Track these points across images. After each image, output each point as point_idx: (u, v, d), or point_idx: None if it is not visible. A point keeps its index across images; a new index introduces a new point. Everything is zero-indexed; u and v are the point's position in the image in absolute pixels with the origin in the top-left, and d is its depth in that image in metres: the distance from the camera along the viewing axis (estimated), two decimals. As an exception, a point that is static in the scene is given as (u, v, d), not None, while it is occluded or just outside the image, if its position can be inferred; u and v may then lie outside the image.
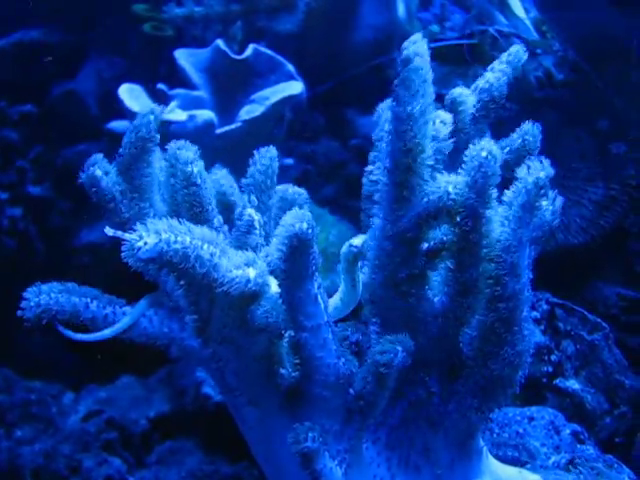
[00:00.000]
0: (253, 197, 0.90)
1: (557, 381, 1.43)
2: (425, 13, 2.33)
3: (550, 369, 1.44)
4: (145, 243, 0.69)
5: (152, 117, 0.94)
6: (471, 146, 0.82)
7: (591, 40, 1.94)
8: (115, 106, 1.73)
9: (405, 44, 0.80)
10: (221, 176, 1.08)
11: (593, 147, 1.87)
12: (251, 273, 0.75)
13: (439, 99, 1.35)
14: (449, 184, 0.82)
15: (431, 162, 0.84)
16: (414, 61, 0.80)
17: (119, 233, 0.83)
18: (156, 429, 1.79)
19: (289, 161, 1.88)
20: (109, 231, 0.84)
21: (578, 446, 1.28)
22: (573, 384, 1.43)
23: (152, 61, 2.15)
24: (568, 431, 1.30)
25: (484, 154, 0.80)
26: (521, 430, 1.30)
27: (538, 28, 2.14)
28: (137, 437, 1.77)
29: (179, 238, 0.71)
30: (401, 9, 2.16)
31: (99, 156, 0.96)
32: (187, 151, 0.93)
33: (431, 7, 2.35)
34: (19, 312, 0.90)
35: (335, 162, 2.02)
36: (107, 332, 0.96)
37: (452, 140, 0.96)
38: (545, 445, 1.27)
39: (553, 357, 1.44)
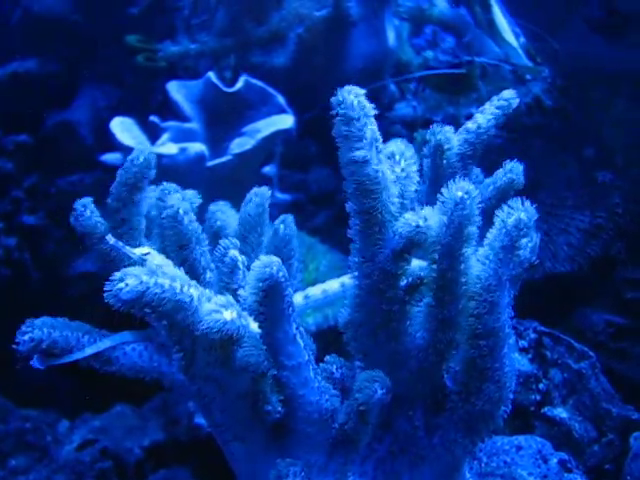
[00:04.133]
0: (234, 240, 0.92)
1: (545, 409, 1.44)
2: (417, 39, 2.35)
3: (538, 397, 1.45)
4: (126, 285, 0.72)
5: (142, 159, 0.96)
6: (447, 187, 0.83)
7: (577, 68, 1.97)
8: (108, 137, 1.75)
9: (338, 91, 0.81)
10: (218, 210, 1.11)
11: (580, 175, 1.89)
12: (227, 316, 0.77)
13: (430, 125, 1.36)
14: (418, 219, 0.84)
15: (396, 199, 0.87)
16: (353, 106, 0.81)
17: (120, 244, 0.86)
18: (150, 458, 1.80)
19: (287, 197, 1.90)
20: (110, 239, 0.86)
21: (565, 475, 1.29)
22: (561, 412, 1.44)
23: (145, 91, 2.18)
24: (555, 460, 1.31)
25: (460, 194, 0.82)
26: (509, 459, 1.31)
27: (528, 54, 2.17)
28: (131, 466, 1.77)
29: (159, 281, 0.73)
30: (391, 37, 2.18)
31: (88, 199, 0.99)
32: (175, 192, 0.95)
33: (422, 34, 2.37)
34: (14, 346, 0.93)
35: (326, 190, 2.03)
36: (88, 350, 0.98)
37: (428, 174, 0.99)
38: (532, 474, 1.28)
39: (541, 386, 1.46)
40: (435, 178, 1.01)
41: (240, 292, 0.84)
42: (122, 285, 0.72)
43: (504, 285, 0.87)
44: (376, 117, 0.85)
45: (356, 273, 0.90)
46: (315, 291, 1.14)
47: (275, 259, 0.78)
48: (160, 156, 1.58)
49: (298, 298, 1.12)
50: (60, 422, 1.90)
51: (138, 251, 0.84)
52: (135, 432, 1.84)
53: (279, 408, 0.92)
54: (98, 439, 1.80)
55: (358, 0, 2.00)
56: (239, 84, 1.84)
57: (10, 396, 1.89)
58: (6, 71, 2.20)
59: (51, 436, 1.85)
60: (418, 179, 0.99)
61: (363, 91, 0.82)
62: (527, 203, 0.85)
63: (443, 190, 0.84)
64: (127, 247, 0.85)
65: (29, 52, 2.23)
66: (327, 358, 0.96)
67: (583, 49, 1.98)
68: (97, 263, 1.01)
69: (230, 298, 0.79)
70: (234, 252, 0.90)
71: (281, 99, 1.82)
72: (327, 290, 1.14)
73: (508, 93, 1.04)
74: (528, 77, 2.06)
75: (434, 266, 0.87)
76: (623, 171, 1.85)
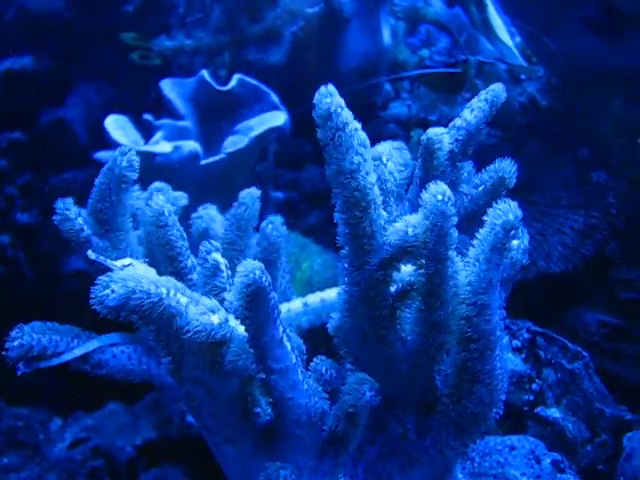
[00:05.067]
0: (216, 242, 0.91)
1: (538, 409, 1.44)
2: (412, 39, 2.35)
3: (531, 397, 1.45)
4: (112, 291, 0.71)
5: (125, 159, 0.96)
6: (425, 190, 0.83)
7: (572, 67, 1.96)
8: (103, 134, 1.75)
9: (320, 97, 0.80)
10: (205, 212, 1.10)
11: (574, 175, 1.89)
12: (215, 320, 0.76)
13: (425, 125, 1.37)
14: (408, 227, 0.83)
15: (382, 207, 0.86)
16: (337, 114, 0.80)
17: (101, 258, 0.85)
18: (142, 457, 1.79)
19: (280, 195, 1.89)
20: (91, 255, 0.86)
21: (558, 475, 1.29)
22: (554, 413, 1.44)
23: (140, 89, 2.17)
24: (549, 460, 1.31)
25: (440, 197, 0.81)
26: (502, 459, 1.30)
27: (523, 53, 2.16)
28: (123, 465, 1.77)
29: (144, 287, 0.73)
30: (387, 35, 2.18)
31: (70, 200, 0.98)
32: (160, 193, 0.94)
33: (417, 33, 2.37)
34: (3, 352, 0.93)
35: (321, 189, 2.02)
36: (76, 351, 0.98)
37: (406, 178, 0.98)
38: (525, 474, 1.28)
39: (534, 386, 1.46)
40: (426, 179, 0.99)
41: (225, 295, 0.83)
42: (108, 292, 0.71)
43: (495, 287, 0.87)
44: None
45: (345, 279, 0.89)
46: (314, 299, 1.14)
47: (258, 264, 0.78)
48: (154, 155, 1.58)
49: (297, 304, 1.12)
50: (52, 420, 1.89)
51: (120, 263, 0.83)
52: (127, 430, 1.83)
53: (269, 411, 0.92)
54: (90, 437, 1.79)
55: (352, -3, 2.00)
56: (232, 82, 1.83)
57: (2, 394, 1.89)
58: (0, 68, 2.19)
59: (43, 434, 1.85)
60: (404, 180, 0.99)
61: (340, 99, 0.81)
62: (514, 204, 0.84)
63: (422, 195, 0.83)
64: (108, 260, 0.85)
65: (23, 49, 2.22)
66: (316, 360, 0.95)
67: (579, 48, 1.97)
68: (86, 263, 1.00)
69: (216, 301, 0.79)
70: (216, 255, 0.89)
71: (275, 97, 1.82)
72: (325, 299, 1.14)
73: (495, 87, 1.02)
74: (523, 77, 2.05)
75: (422, 271, 0.86)
76: (618, 171, 1.85)
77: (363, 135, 0.83)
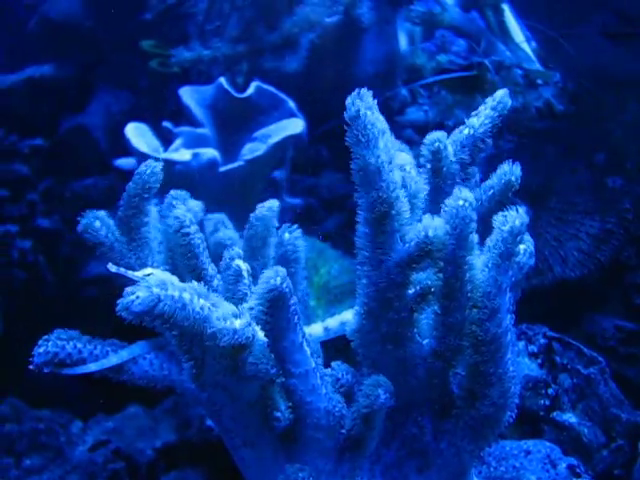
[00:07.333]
0: (238, 249, 0.93)
1: (554, 414, 1.45)
2: (428, 44, 2.36)
3: (547, 402, 1.46)
4: (137, 297, 0.73)
5: (149, 171, 0.97)
6: (450, 197, 0.85)
7: (588, 72, 1.96)
8: (123, 141, 1.77)
9: (351, 100, 0.82)
10: (217, 221, 1.12)
11: (590, 180, 1.89)
12: (237, 325, 0.78)
13: (442, 130, 1.36)
14: (428, 228, 0.85)
15: (406, 208, 0.87)
16: (366, 116, 0.82)
17: (122, 270, 0.87)
18: (162, 459, 1.81)
19: (296, 201, 1.91)
20: (112, 267, 0.87)
21: (574, 480, 1.30)
22: (570, 417, 1.45)
23: (159, 96, 2.19)
24: (564, 465, 1.31)
25: (461, 202, 0.83)
26: (517, 464, 1.31)
27: (540, 58, 2.17)
28: (143, 467, 1.79)
29: (169, 292, 0.74)
30: (403, 41, 2.19)
31: (94, 210, 1.00)
32: (180, 202, 0.96)
33: (432, 38, 2.37)
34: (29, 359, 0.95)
35: (339, 195, 2.04)
36: (106, 362, 0.99)
37: (427, 182, 0.99)
38: (541, 479, 1.29)
39: (550, 390, 1.46)
40: (434, 186, 1.01)
41: (247, 303, 0.85)
42: (133, 297, 0.73)
43: (504, 291, 0.88)
44: (387, 122, 0.86)
45: (364, 281, 0.91)
46: (333, 322, 1.15)
47: (281, 270, 0.80)
48: (174, 162, 1.60)
49: (318, 329, 1.14)
50: (73, 423, 1.91)
51: (141, 273, 0.84)
52: (147, 433, 1.85)
53: (288, 414, 0.93)
54: (111, 440, 1.81)
55: (369, 6, 2.01)
56: (250, 89, 1.85)
57: (24, 397, 1.91)
58: (22, 76, 2.22)
59: (65, 437, 1.87)
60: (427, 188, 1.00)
61: (374, 100, 0.83)
62: (522, 209, 0.86)
63: (446, 200, 0.85)
64: (129, 271, 0.86)
65: (44, 57, 2.25)
66: (333, 365, 0.97)
67: (595, 54, 1.98)
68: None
69: (239, 307, 0.80)
70: (238, 261, 0.91)
71: (292, 104, 1.83)
72: (344, 322, 1.16)
73: (501, 93, 1.03)
74: (539, 82, 2.06)
75: (440, 274, 0.88)
76: (634, 176, 1.85)
77: (390, 136, 0.85)
